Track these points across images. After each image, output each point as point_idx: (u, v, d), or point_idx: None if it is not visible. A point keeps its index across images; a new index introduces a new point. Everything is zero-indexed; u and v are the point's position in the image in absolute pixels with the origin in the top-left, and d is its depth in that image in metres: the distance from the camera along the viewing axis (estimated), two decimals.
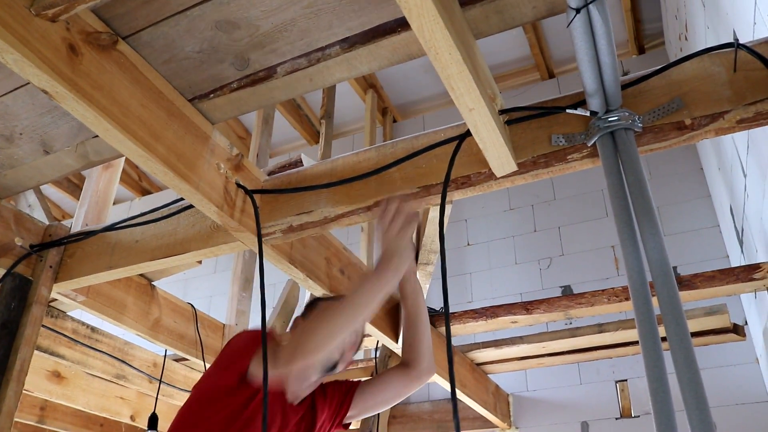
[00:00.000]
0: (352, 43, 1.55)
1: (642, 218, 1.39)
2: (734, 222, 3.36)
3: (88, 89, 1.41)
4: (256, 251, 1.83)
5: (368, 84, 5.02)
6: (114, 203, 6.37)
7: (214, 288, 5.45)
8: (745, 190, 2.83)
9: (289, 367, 1.61)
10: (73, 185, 6.10)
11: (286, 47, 1.58)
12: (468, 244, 4.68)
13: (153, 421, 2.82)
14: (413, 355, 1.95)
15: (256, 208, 1.84)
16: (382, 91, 5.19)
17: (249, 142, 4.29)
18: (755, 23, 2.03)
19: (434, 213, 1.89)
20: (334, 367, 1.78)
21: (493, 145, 1.51)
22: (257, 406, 1.60)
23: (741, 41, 1.51)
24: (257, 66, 1.63)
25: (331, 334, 1.54)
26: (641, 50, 4.78)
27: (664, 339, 1.28)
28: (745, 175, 2.77)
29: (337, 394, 1.92)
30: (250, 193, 1.86)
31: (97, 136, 1.79)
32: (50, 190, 6.19)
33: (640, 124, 1.52)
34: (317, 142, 5.44)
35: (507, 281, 4.38)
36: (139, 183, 6.39)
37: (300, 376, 1.75)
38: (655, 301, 1.33)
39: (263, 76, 1.66)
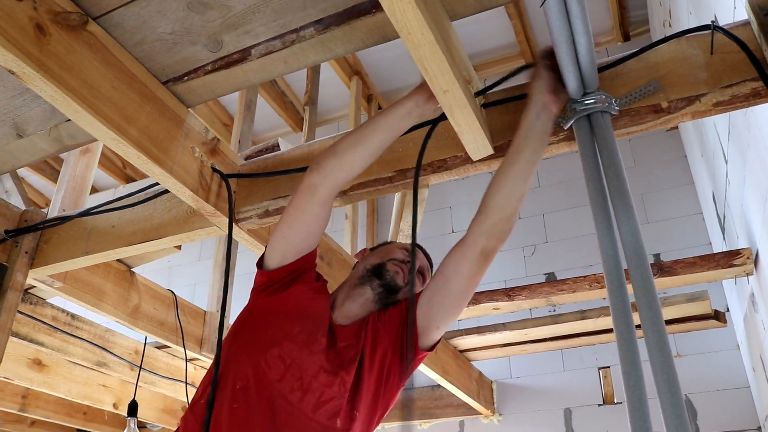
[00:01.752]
0: (326, 24, 1.52)
1: (617, 202, 1.38)
2: (716, 209, 3.37)
3: (57, 70, 1.39)
4: (233, 236, 1.82)
5: (353, 71, 4.99)
6: (98, 191, 6.38)
7: (198, 276, 5.43)
8: (727, 176, 2.83)
9: (314, 171, 1.55)
10: (56, 172, 6.03)
11: (260, 29, 1.55)
12: (452, 232, 4.67)
13: (133, 408, 2.80)
14: (479, 208, 1.56)
15: (230, 191, 1.82)
16: (367, 78, 5.16)
17: (233, 129, 4.28)
18: (735, 7, 2.03)
19: (411, 197, 1.88)
20: (392, 287, 1.65)
21: (469, 128, 1.50)
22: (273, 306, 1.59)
23: (722, 25, 1.50)
24: (231, 48, 1.61)
25: (354, 140, 1.55)
26: (626, 37, 4.76)
27: (639, 326, 1.28)
28: (726, 162, 2.78)
29: (396, 314, 1.64)
30: (225, 177, 1.84)
31: (70, 119, 1.77)
32: (33, 177, 6.13)
33: (616, 107, 1.51)
34: (302, 129, 5.40)
35: (491, 268, 4.35)
36: (123, 170, 6.34)
37: (352, 293, 1.67)
38: (631, 287, 1.32)
39: (237, 58, 1.63)
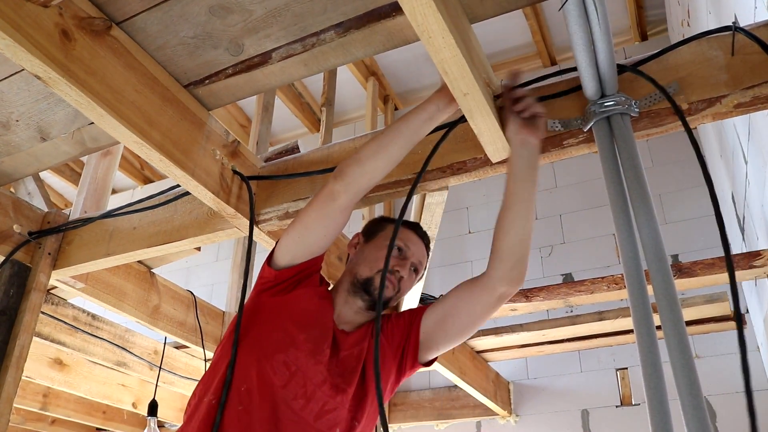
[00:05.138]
0: (346, 28, 1.54)
1: (637, 204, 1.38)
2: (735, 210, 3.34)
3: (82, 75, 1.41)
4: (254, 238, 1.83)
5: (369, 72, 5.00)
6: (116, 192, 6.43)
7: (216, 276, 5.46)
8: (747, 177, 2.81)
9: (338, 178, 1.55)
10: (76, 174, 6.10)
11: (281, 32, 1.57)
12: (469, 232, 4.67)
13: (153, 407, 2.82)
14: (492, 253, 1.56)
15: (251, 193, 1.84)
16: (383, 79, 5.17)
17: (250, 130, 4.32)
18: (756, 7, 2.01)
19: (430, 199, 1.89)
20: (375, 301, 1.64)
21: (489, 130, 1.50)
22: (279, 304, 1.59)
23: (742, 25, 1.50)
24: (252, 51, 1.63)
25: (377, 147, 1.54)
26: (644, 37, 4.74)
27: (659, 327, 1.27)
28: (746, 162, 2.76)
29: (399, 327, 1.66)
30: (246, 179, 1.86)
31: (93, 122, 1.79)
32: (53, 179, 6.20)
33: (636, 109, 1.51)
34: (319, 130, 5.43)
35: None
36: (141, 171, 6.40)
37: (347, 300, 1.66)
38: (651, 288, 1.32)
39: (258, 61, 1.65)
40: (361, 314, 1.67)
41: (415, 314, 1.67)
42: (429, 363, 1.69)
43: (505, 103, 1.54)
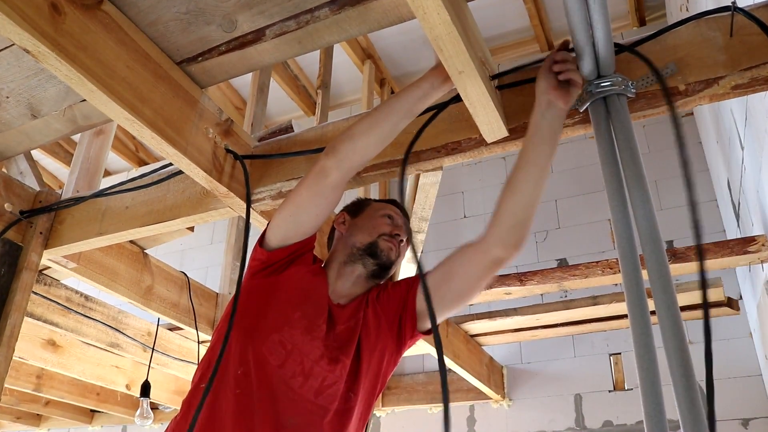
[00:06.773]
0: (341, 5, 1.51)
1: (633, 185, 1.37)
2: (731, 196, 3.34)
3: (72, 49, 1.39)
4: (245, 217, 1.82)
5: (366, 54, 4.97)
6: (111, 174, 6.40)
7: (211, 259, 5.45)
8: (743, 163, 2.81)
9: (330, 155, 1.54)
10: (70, 155, 6.06)
11: (275, 9, 1.55)
12: (464, 217, 4.66)
13: (145, 388, 2.82)
14: (493, 214, 1.53)
15: (246, 172, 1.82)
16: (380, 62, 5.13)
17: (245, 112, 4.28)
18: None
19: (424, 179, 1.87)
20: (387, 265, 1.66)
21: (484, 110, 1.49)
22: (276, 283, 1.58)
23: (743, 7, 1.48)
24: (245, 28, 1.60)
25: (369, 124, 1.53)
26: (642, 22, 4.71)
27: (654, 313, 1.27)
28: (742, 148, 2.75)
29: (396, 296, 1.65)
30: (240, 158, 1.84)
31: (85, 100, 1.77)
32: (47, 160, 6.16)
33: (633, 90, 1.50)
34: (314, 113, 5.39)
35: None
36: (136, 153, 6.36)
37: (342, 272, 1.66)
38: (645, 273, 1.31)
39: (252, 38, 1.62)
40: (358, 285, 1.67)
41: (412, 282, 1.66)
42: (429, 331, 1.66)
43: (546, 63, 1.49)
